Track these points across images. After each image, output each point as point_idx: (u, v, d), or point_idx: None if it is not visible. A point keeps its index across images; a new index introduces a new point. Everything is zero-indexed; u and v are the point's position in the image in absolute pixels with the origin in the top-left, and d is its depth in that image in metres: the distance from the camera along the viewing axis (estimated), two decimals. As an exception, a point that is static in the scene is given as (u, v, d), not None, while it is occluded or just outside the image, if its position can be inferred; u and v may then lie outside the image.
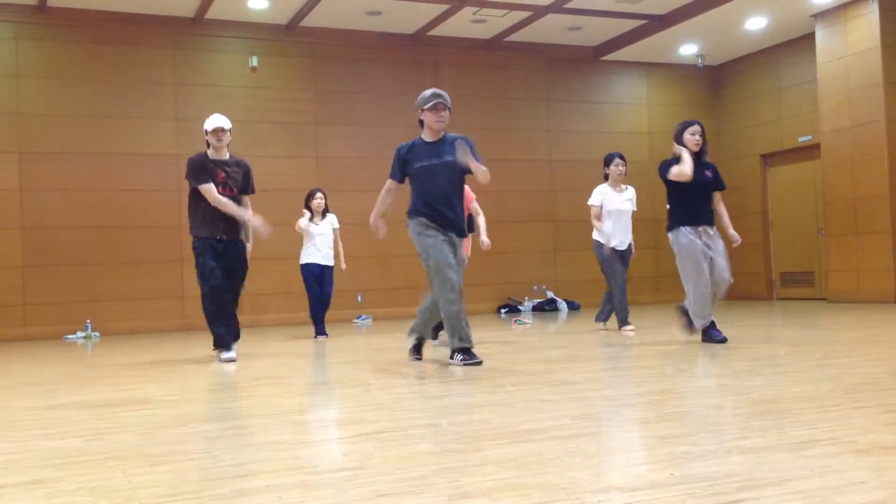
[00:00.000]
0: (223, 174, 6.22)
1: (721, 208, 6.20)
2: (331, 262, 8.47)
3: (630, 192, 7.82)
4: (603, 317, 7.98)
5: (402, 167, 5.49)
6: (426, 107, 5.40)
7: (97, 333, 10.35)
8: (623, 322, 7.65)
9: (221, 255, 6.17)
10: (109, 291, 10.70)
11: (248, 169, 6.41)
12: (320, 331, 8.48)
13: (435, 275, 5.24)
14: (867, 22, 10.86)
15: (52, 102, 10.66)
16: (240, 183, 6.31)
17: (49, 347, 8.84)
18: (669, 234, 6.06)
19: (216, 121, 6.26)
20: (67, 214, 10.60)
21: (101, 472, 2.62)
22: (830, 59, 11.39)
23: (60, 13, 10.66)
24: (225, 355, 6.18)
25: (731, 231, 6.20)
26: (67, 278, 10.54)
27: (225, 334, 6.20)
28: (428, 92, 5.46)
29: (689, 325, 6.12)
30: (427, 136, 5.47)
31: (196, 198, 6.23)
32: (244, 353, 6.66)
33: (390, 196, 5.62)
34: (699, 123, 6.13)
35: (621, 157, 7.83)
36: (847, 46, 11.14)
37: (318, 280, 8.42)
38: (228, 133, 6.26)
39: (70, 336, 10.25)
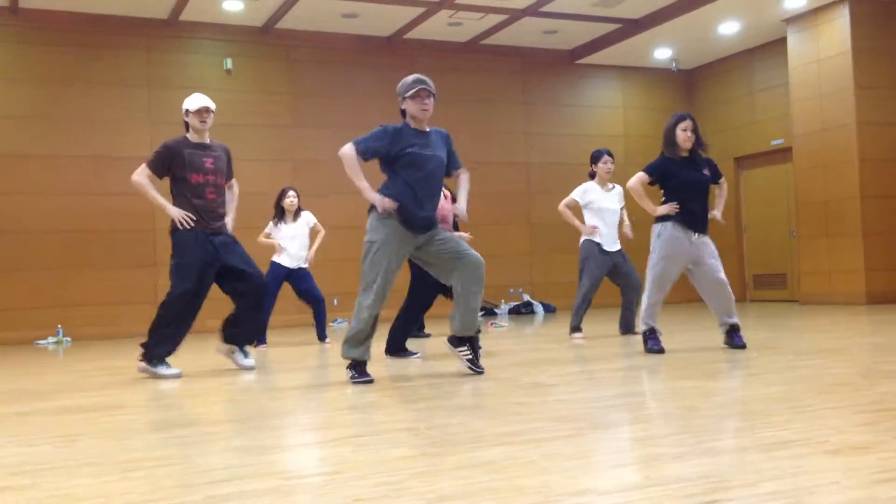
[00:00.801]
0: (211, 161, 5.56)
1: (720, 193, 5.89)
2: (304, 264, 8.05)
3: (617, 190, 7.47)
4: (622, 327, 7.46)
5: (386, 146, 4.81)
6: (408, 94, 4.87)
7: (68, 339, 10.23)
8: (574, 329, 7.35)
9: (214, 253, 5.48)
10: (81, 296, 10.58)
11: (230, 153, 5.82)
12: (261, 339, 7.87)
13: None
14: (838, 27, 11.00)
15: (24, 104, 10.54)
16: (224, 170, 5.69)
17: (19, 353, 8.73)
18: (654, 226, 5.71)
19: (200, 100, 5.61)
20: (38, 218, 10.48)
21: (73, 479, 2.59)
22: (802, 64, 11.52)
23: (32, 15, 10.54)
24: (165, 371, 5.45)
25: (718, 212, 5.87)
26: (38, 283, 10.41)
27: (169, 346, 5.51)
28: (409, 78, 4.94)
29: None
30: (413, 125, 4.93)
31: (177, 187, 5.55)
32: (216, 359, 6.61)
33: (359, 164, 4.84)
34: (691, 117, 5.79)
35: (609, 154, 7.50)
36: (818, 51, 11.28)
37: (290, 281, 8.01)
38: (213, 114, 5.66)
39: (41, 341, 10.12)
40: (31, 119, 10.55)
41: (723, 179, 5.98)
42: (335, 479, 2.47)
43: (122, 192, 10.89)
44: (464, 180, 5.15)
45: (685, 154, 5.76)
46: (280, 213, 8.17)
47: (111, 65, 10.93)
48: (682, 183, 5.69)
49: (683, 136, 5.70)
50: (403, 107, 4.95)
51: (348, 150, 4.82)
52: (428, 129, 4.99)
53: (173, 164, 5.56)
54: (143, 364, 5.52)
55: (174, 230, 5.52)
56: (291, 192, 8.19)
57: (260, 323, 5.82)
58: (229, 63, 11.48)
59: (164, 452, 3.00)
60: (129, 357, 7.48)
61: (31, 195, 10.47)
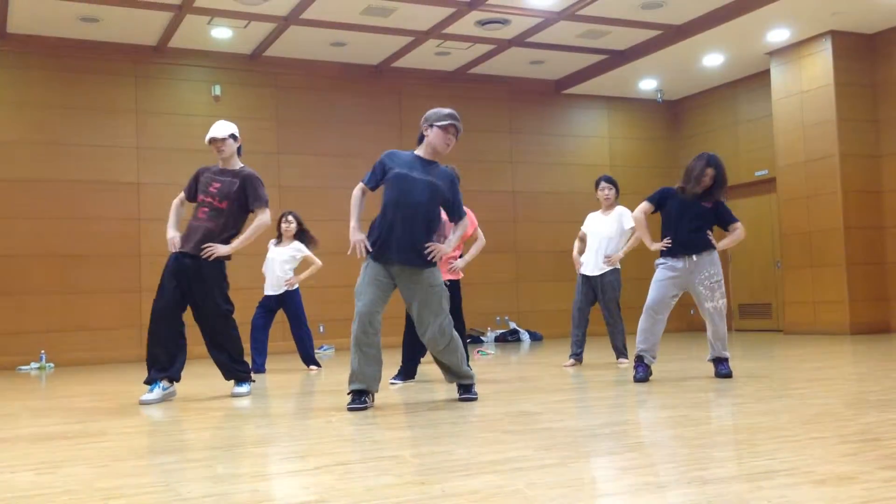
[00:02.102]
0: (217, 185, 5.65)
1: (732, 234, 6.00)
2: (282, 288, 7.99)
3: (615, 213, 7.42)
4: (615, 352, 7.49)
5: (381, 169, 4.84)
6: (439, 123, 4.84)
7: (51, 364, 10.13)
8: (572, 355, 7.42)
9: (181, 273, 5.52)
10: (65, 321, 10.50)
11: (245, 179, 5.66)
12: (258, 366, 7.83)
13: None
14: (820, 60, 11.16)
15: (11, 129, 10.51)
16: (231, 196, 5.61)
17: (1, 379, 8.63)
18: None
19: (210, 131, 5.75)
20: (23, 242, 10.41)
21: (54, 507, 2.56)
22: (785, 96, 11.66)
23: (21, 40, 10.55)
24: (144, 396, 5.42)
25: (721, 243, 5.97)
26: (21, 307, 10.32)
27: (150, 366, 5.48)
28: (444, 110, 4.91)
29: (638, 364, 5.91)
30: (421, 153, 4.92)
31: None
32: (202, 385, 6.56)
33: (361, 201, 4.91)
34: (711, 161, 5.78)
35: (607, 181, 7.53)
36: (801, 83, 11.42)
37: (271, 312, 8.04)
38: (225, 142, 5.67)
39: (24, 367, 10.01)
40: (18, 144, 10.52)
41: (735, 225, 5.99)
42: (320, 508, 2.44)
43: (108, 216, 10.88)
44: (459, 226, 5.07)
45: (698, 191, 5.82)
46: (278, 235, 8.19)
47: (99, 91, 10.94)
48: (678, 208, 5.84)
49: (706, 180, 5.79)
50: (426, 133, 4.90)
51: (355, 189, 4.93)
52: (436, 162, 4.94)
53: (197, 186, 5.77)
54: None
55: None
56: (290, 217, 8.17)
57: (223, 363, 5.73)
58: (217, 90, 11.51)
59: (146, 480, 2.97)
60: (114, 383, 7.42)
61: (16, 219, 10.41)
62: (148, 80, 11.23)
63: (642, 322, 5.88)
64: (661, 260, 5.90)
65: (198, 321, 5.64)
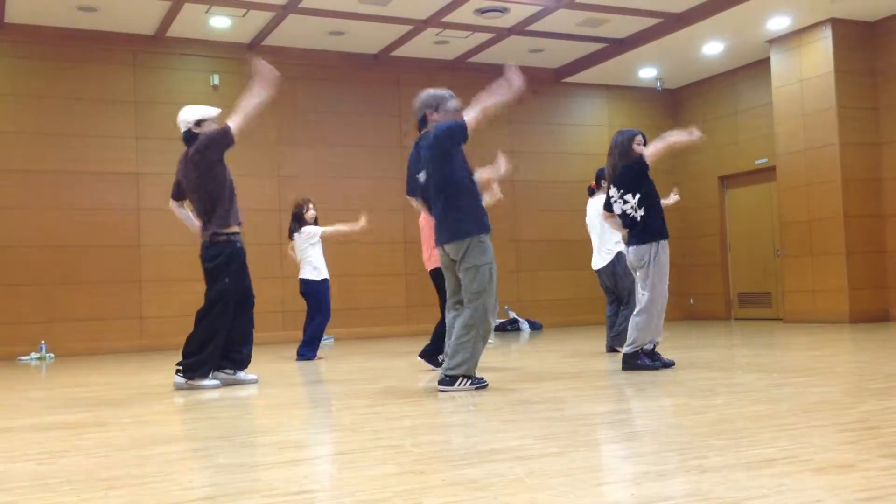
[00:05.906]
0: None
1: None
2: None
3: (598, 198, 7.42)
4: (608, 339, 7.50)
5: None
6: (456, 108, 5.52)
7: (52, 354, 10.14)
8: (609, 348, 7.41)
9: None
10: (65, 311, 10.50)
11: (197, 143, 5.99)
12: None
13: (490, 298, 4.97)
14: (821, 48, 11.13)
15: (10, 119, 10.49)
16: (188, 172, 5.94)
17: (1, 369, 8.65)
18: (650, 246, 5.71)
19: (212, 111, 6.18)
20: (22, 233, 10.41)
21: (54, 497, 2.57)
22: (785, 84, 11.64)
23: (19, 30, 10.52)
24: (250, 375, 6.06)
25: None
26: (21, 298, 10.33)
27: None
28: (449, 92, 5.60)
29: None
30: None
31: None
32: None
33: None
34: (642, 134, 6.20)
35: None
36: (801, 71, 11.39)
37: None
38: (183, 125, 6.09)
39: (24, 357, 10.03)
40: (17, 134, 10.50)
41: None
42: (319, 497, 2.45)
43: (108, 207, 10.87)
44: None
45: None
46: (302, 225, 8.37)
47: (98, 80, 10.91)
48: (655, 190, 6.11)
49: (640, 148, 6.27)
50: (436, 116, 5.53)
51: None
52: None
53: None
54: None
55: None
56: (311, 204, 8.48)
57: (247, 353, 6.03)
58: (216, 79, 11.48)
59: (147, 470, 2.98)
60: (114, 374, 7.43)
61: (16, 209, 10.41)
62: (146, 70, 11.20)
63: (661, 316, 5.77)
64: (665, 245, 5.78)
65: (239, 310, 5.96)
